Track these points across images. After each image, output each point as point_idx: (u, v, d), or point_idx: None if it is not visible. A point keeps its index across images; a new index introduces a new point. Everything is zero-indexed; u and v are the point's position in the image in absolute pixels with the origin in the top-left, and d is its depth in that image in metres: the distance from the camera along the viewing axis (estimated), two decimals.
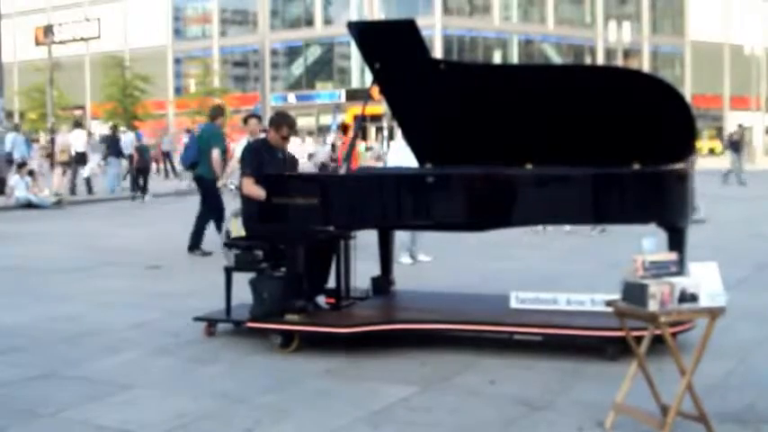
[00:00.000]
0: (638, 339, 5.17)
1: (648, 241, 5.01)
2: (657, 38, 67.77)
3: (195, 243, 12.91)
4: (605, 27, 57.31)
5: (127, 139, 28.50)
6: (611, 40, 52.35)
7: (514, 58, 60.63)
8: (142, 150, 25.98)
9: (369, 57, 7.70)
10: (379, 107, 26.91)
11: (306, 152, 35.77)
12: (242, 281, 7.64)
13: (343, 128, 20.29)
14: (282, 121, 7.99)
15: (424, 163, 8.21)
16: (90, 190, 26.48)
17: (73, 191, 25.84)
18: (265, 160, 7.77)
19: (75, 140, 27.12)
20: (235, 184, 12.77)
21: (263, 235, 7.61)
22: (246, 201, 7.80)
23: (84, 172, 26.85)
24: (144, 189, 24.89)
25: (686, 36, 68.83)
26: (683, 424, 4.97)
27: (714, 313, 4.87)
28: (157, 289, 10.18)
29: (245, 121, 13.50)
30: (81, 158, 26.75)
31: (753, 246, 13.35)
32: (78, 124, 31.34)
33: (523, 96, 7.40)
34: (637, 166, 7.08)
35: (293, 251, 7.28)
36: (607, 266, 10.41)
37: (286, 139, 8.03)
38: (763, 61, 62.84)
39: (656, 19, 68.84)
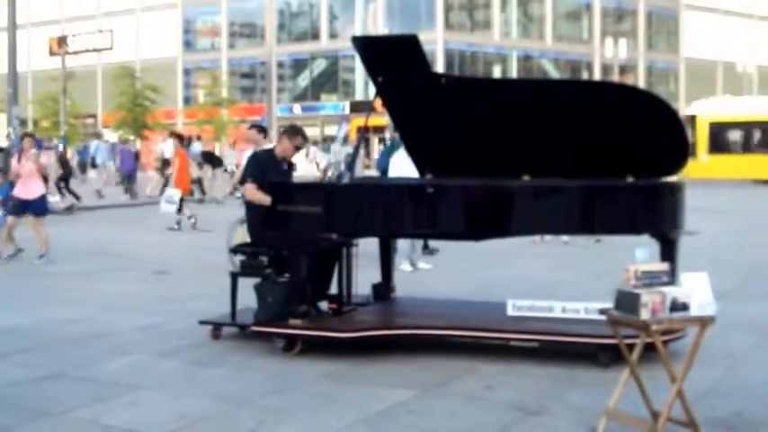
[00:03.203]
0: (631, 347, 5.24)
1: (641, 252, 5.09)
2: (653, 54, 67.91)
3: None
4: (602, 43, 57.46)
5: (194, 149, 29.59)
6: (608, 56, 52.52)
7: (514, 73, 60.66)
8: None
9: (372, 70, 7.82)
10: (382, 119, 27.06)
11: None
12: (247, 286, 7.75)
13: (179, 137, 20.42)
14: (297, 131, 8.20)
15: (425, 173, 8.33)
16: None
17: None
18: (269, 170, 7.93)
19: (167, 148, 29.14)
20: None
21: (267, 242, 7.77)
22: (251, 208, 7.94)
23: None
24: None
25: (681, 53, 69.01)
26: (674, 430, 5.06)
27: (704, 322, 4.96)
28: (164, 293, 10.32)
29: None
30: (167, 164, 28.94)
31: (742, 257, 13.42)
32: (172, 133, 32.98)
33: (522, 110, 7.51)
34: (630, 179, 7.20)
35: (296, 258, 7.42)
36: (601, 276, 10.52)
37: (299, 148, 8.25)
38: (754, 78, 63.01)
39: (652, 36, 69.02)
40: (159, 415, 5.68)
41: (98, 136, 37.40)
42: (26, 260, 12.94)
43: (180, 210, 18.27)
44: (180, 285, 10.95)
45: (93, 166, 31.85)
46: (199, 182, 27.91)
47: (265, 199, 7.56)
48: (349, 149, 21.91)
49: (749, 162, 35.47)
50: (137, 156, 38.49)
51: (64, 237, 17.02)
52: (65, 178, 26.27)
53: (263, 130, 12.30)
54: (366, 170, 33.34)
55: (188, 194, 19.30)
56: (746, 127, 36.93)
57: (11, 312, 9.17)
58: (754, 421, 5.51)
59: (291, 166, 8.38)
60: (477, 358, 7.01)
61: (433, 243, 13.37)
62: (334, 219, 7.37)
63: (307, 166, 14.75)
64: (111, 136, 47.13)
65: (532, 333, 7.07)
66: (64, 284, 11.11)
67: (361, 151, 21.76)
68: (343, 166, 12.41)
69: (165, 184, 28.28)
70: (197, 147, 29.91)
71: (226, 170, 29.59)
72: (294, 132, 8.16)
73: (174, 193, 18.15)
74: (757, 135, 36.93)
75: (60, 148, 31.47)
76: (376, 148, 50.56)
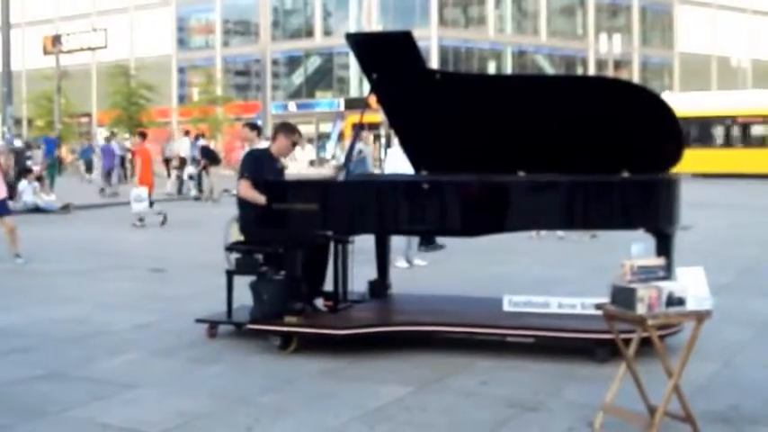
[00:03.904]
0: (627, 342, 5.26)
1: (637, 247, 5.11)
2: (647, 50, 68.06)
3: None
4: (596, 39, 57.47)
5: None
6: (602, 51, 52.54)
7: (508, 69, 60.72)
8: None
9: (366, 67, 7.83)
10: (377, 115, 27.07)
11: (307, 159, 36.78)
12: (243, 284, 7.75)
13: (141, 135, 21.02)
14: (293, 128, 8.22)
15: (420, 170, 8.34)
16: (181, 190, 28.85)
17: (180, 191, 28.54)
18: (265, 169, 7.93)
19: (183, 147, 30.36)
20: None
21: (261, 239, 7.77)
22: (243, 206, 7.94)
23: (183, 174, 29.45)
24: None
25: (675, 48, 69.18)
26: (670, 424, 5.08)
27: (700, 316, 4.98)
28: (161, 291, 10.33)
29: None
30: (183, 162, 30.07)
31: (737, 252, 13.44)
32: (187, 132, 33.38)
33: (516, 105, 7.52)
34: (626, 174, 7.20)
35: (292, 255, 7.43)
36: (597, 271, 10.53)
37: (295, 144, 8.26)
38: (748, 73, 63.11)
39: (646, 31, 69.18)
40: (156, 413, 5.68)
41: (113, 135, 38.37)
42: (10, 260, 12.87)
43: (151, 204, 18.54)
44: (176, 284, 10.95)
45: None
46: (199, 178, 27.92)
47: (259, 197, 7.56)
48: (362, 146, 21.62)
49: (686, 156, 36.12)
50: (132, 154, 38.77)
51: (60, 235, 17.06)
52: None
53: (255, 127, 12.29)
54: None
55: (153, 190, 19.54)
56: (682, 122, 37.77)
57: (7, 311, 9.17)
58: (751, 415, 5.53)
59: (283, 166, 8.40)
60: (474, 354, 7.03)
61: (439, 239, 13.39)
62: (329, 216, 7.38)
63: (297, 166, 14.77)
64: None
65: (529, 329, 7.10)
66: (60, 283, 11.11)
67: (371, 148, 21.48)
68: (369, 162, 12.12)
69: (181, 184, 28.62)
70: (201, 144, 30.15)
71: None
72: (290, 129, 8.18)
73: (141, 191, 18.54)
74: (694, 131, 37.78)
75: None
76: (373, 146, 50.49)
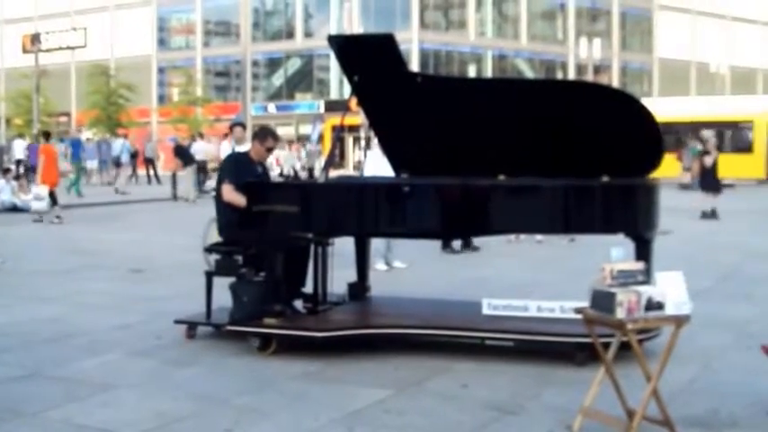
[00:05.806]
0: (606, 346, 5.27)
1: (616, 251, 5.12)
2: (627, 54, 68.47)
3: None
4: (576, 43, 57.59)
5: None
6: (582, 56, 52.65)
7: (489, 73, 60.86)
8: None
9: (348, 69, 7.83)
10: (357, 118, 27.03)
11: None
12: (222, 285, 7.73)
13: (45, 134, 21.32)
14: (267, 133, 8.16)
15: (400, 172, 8.34)
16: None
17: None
18: (245, 172, 7.90)
19: (223, 149, 29.31)
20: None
21: (240, 241, 7.74)
22: (222, 208, 7.92)
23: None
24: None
25: (654, 53, 69.63)
26: (649, 428, 5.09)
27: (679, 321, 4.99)
28: (140, 292, 10.26)
29: (231, 129, 13.67)
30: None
31: (716, 257, 13.49)
32: (226, 135, 33.18)
33: (497, 109, 7.53)
34: (606, 179, 7.19)
35: (272, 257, 7.42)
36: (576, 275, 10.54)
37: (270, 150, 8.22)
38: (727, 79, 63.58)
39: (626, 36, 69.60)
40: (134, 414, 5.65)
41: (125, 136, 38.98)
42: None
43: (55, 203, 18.97)
44: (155, 284, 10.89)
45: (117, 165, 33.64)
46: (174, 178, 27.74)
47: (242, 200, 7.54)
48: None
49: None
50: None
51: (38, 235, 16.96)
52: None
53: (245, 127, 12.38)
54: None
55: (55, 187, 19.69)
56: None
57: None
58: (729, 419, 5.55)
59: (266, 170, 8.37)
60: (453, 357, 7.03)
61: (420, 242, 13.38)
62: (310, 218, 7.37)
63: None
64: (88, 133, 46.99)
65: (508, 332, 7.10)
66: (38, 283, 11.03)
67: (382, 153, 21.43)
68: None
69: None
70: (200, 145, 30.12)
71: (204, 168, 29.46)
72: (263, 135, 8.13)
73: (41, 190, 18.86)
74: None
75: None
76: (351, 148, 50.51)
